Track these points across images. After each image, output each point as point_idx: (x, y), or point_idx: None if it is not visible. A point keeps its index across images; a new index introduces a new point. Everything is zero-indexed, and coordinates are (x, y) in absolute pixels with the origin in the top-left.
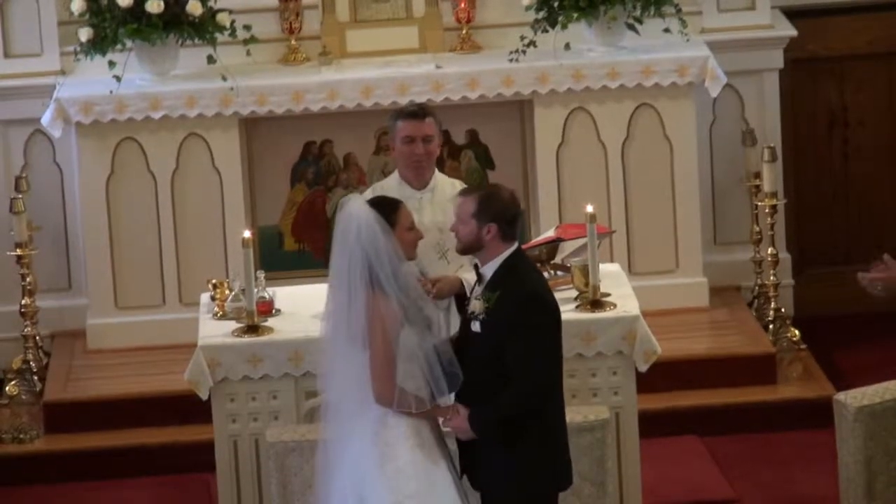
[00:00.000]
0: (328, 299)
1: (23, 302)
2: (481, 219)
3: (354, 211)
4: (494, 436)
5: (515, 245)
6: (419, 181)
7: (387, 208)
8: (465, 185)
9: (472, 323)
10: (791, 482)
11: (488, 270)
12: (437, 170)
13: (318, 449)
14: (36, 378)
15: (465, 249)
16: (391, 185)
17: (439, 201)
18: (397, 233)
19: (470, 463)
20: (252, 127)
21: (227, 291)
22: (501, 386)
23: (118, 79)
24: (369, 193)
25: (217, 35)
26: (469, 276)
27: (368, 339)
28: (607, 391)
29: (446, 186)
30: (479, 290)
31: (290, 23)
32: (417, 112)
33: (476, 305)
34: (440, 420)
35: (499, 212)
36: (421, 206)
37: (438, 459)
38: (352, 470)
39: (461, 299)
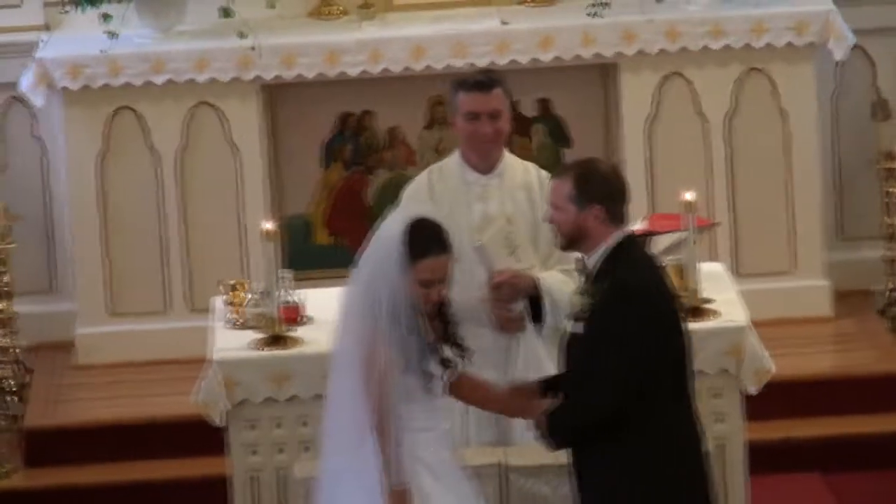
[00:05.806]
0: (344, 303)
1: None
2: (581, 201)
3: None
4: (566, 442)
5: (626, 230)
6: (485, 164)
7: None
8: (539, 169)
9: (574, 325)
10: None
11: (592, 261)
12: (506, 150)
13: (315, 487)
14: (15, 399)
15: (567, 243)
16: (451, 168)
17: (508, 188)
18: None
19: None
20: (277, 95)
21: (245, 295)
22: None
23: (114, 35)
24: (425, 176)
25: None
26: (546, 276)
27: (359, 377)
28: (709, 418)
29: (517, 170)
30: (582, 286)
31: None
32: (484, 82)
33: (577, 302)
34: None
35: (601, 190)
36: (487, 194)
37: (461, 481)
38: None
39: (536, 305)
